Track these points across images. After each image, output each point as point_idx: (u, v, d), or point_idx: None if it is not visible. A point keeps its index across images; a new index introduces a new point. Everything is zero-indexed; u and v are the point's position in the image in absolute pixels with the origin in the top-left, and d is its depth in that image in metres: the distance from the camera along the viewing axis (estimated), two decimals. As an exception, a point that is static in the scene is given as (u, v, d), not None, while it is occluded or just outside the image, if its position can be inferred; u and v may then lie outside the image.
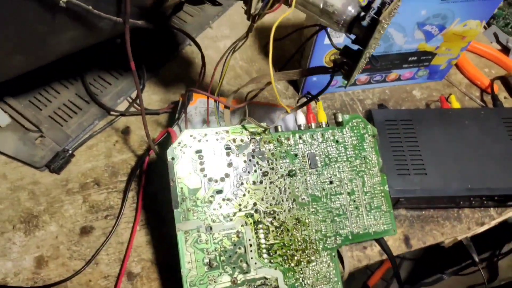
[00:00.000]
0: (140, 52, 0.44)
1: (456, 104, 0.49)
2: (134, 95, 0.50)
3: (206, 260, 0.35)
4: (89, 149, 0.45)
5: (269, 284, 0.36)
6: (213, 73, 0.39)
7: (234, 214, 0.36)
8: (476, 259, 0.53)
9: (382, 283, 0.89)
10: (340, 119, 0.41)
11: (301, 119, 0.41)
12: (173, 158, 0.35)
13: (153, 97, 0.50)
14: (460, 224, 0.45)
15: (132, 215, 0.42)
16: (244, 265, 0.35)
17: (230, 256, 0.35)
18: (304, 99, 0.40)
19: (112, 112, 0.48)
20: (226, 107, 0.39)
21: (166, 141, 0.41)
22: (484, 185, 0.43)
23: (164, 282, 0.39)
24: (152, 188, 0.43)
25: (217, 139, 0.37)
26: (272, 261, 0.36)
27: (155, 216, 0.42)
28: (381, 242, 0.41)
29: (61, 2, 0.28)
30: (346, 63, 0.31)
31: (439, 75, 0.54)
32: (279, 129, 0.40)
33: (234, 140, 0.37)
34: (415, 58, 0.50)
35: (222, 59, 0.36)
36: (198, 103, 0.46)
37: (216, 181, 0.36)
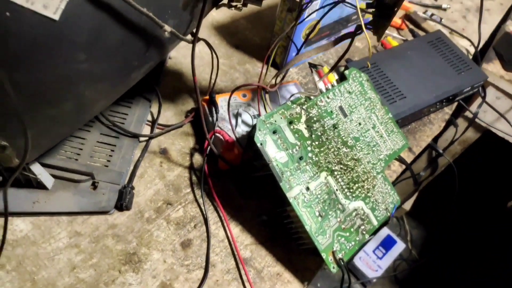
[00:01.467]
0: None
1: (394, 43, 0.64)
2: (149, 117, 0.51)
3: (317, 213, 0.42)
4: (141, 178, 0.46)
5: (360, 213, 0.45)
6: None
7: (317, 171, 0.43)
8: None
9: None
10: (343, 74, 0.51)
11: (321, 84, 0.50)
12: (261, 144, 0.41)
13: (167, 113, 0.53)
14: (433, 125, 0.60)
15: (215, 215, 0.46)
16: (339, 206, 0.44)
17: (329, 204, 0.43)
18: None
19: (141, 138, 0.49)
20: (265, 92, 0.45)
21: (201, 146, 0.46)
22: (441, 91, 0.58)
23: (275, 253, 0.45)
24: (218, 187, 0.47)
25: (281, 117, 0.43)
26: (353, 195, 0.45)
27: (234, 207, 0.47)
28: (400, 157, 0.54)
29: (166, 33, 0.31)
30: (375, 19, 0.41)
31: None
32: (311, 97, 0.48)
33: (291, 114, 0.44)
34: (355, 16, 0.63)
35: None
36: (221, 102, 0.51)
37: (294, 151, 0.43)
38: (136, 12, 0.28)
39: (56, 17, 0.24)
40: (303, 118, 0.45)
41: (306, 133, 0.44)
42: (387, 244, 1.15)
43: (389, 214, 0.48)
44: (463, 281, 1.16)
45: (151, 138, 0.49)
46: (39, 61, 0.26)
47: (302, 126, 0.44)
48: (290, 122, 0.44)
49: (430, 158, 0.79)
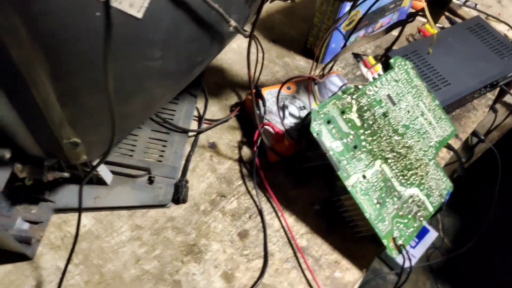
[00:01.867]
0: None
1: (432, 31, 0.64)
2: (195, 113, 0.52)
3: (375, 201, 0.42)
4: (193, 171, 0.47)
5: (416, 199, 0.45)
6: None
7: (372, 159, 0.43)
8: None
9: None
10: (387, 63, 0.51)
11: (369, 74, 0.50)
12: (317, 134, 0.41)
13: (213, 108, 0.53)
14: (477, 111, 0.60)
15: (268, 206, 0.46)
16: (396, 193, 0.44)
17: (385, 191, 0.43)
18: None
19: (190, 133, 0.49)
20: (315, 83, 0.46)
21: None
22: (485, 76, 0.58)
23: (331, 241, 0.45)
24: (269, 178, 0.47)
25: (333, 108, 0.43)
26: (408, 182, 0.45)
27: (286, 198, 0.47)
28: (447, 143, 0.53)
29: (231, 27, 0.32)
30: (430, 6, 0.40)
31: (403, 14, 0.68)
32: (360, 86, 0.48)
33: (343, 104, 0.44)
34: (393, 5, 0.62)
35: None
36: (267, 95, 0.51)
37: (349, 140, 0.43)
38: (207, 9, 0.29)
39: (140, 15, 0.25)
40: (354, 108, 0.45)
41: (358, 122, 0.44)
42: (419, 232, 1.14)
43: (443, 200, 0.47)
44: (499, 270, 1.14)
45: (199, 133, 0.50)
46: (120, 58, 0.27)
47: (354, 116, 0.44)
48: (342, 112, 0.44)
49: (469, 145, 0.78)
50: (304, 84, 0.53)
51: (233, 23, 0.31)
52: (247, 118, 0.52)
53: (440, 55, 0.58)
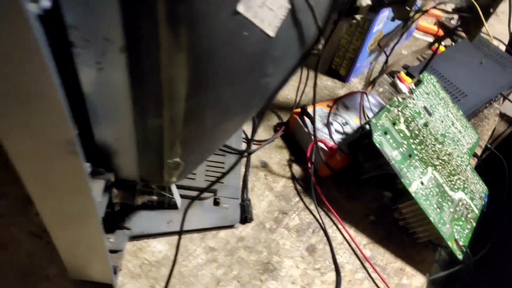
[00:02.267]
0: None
1: (441, 48, 0.69)
2: (242, 135, 0.53)
3: (435, 206, 0.44)
4: (252, 191, 0.48)
5: (464, 202, 0.48)
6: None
7: (424, 166, 0.46)
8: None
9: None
10: (419, 78, 0.55)
11: (404, 88, 0.53)
12: (379, 145, 0.43)
13: (258, 130, 0.55)
14: (489, 120, 0.65)
15: (327, 220, 0.48)
16: (448, 197, 0.47)
17: (440, 196, 0.46)
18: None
19: (244, 154, 0.50)
20: (366, 97, 0.49)
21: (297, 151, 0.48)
22: (497, 85, 0.63)
23: (392, 249, 0.47)
24: (323, 192, 0.49)
25: (386, 120, 0.46)
26: (455, 187, 0.48)
27: (341, 211, 0.49)
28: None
29: (315, 50, 0.34)
30: (467, 21, 0.45)
31: (411, 32, 0.73)
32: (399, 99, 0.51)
33: (393, 116, 0.47)
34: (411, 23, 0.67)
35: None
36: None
37: (403, 149, 0.46)
38: (312, 29, 0.31)
39: (273, 34, 0.26)
40: (402, 119, 0.48)
41: (407, 133, 0.47)
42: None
43: (483, 202, 0.51)
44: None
45: (251, 153, 0.51)
46: (247, 75, 0.28)
47: (403, 126, 0.47)
48: (394, 124, 0.47)
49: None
50: (342, 102, 0.56)
51: (323, 42, 0.33)
52: (291, 136, 0.54)
53: (452, 70, 0.64)
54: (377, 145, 0.43)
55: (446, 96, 0.56)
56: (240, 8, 0.23)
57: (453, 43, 0.72)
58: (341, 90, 0.63)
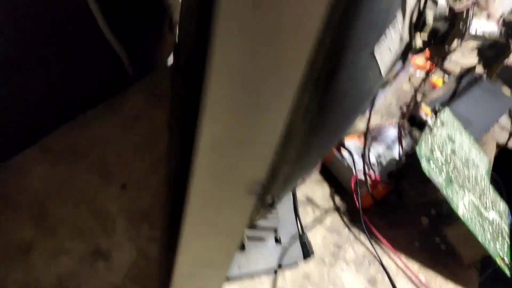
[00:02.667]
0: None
1: (439, 83, 0.76)
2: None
3: (479, 226, 0.47)
4: (304, 226, 0.48)
5: (497, 221, 0.52)
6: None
7: (462, 189, 0.50)
8: None
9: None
10: (438, 108, 0.60)
11: (424, 116, 0.58)
12: (428, 173, 0.46)
13: (293, 164, 0.56)
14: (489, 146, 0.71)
15: (378, 248, 0.49)
16: (486, 218, 0.50)
17: (480, 216, 0.49)
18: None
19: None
20: (403, 129, 0.52)
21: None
22: (497, 112, 0.70)
23: (441, 272, 0.49)
24: (370, 221, 0.51)
25: (426, 148, 0.49)
26: (486, 207, 0.52)
27: (387, 239, 0.50)
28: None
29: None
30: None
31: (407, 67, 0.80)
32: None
33: (429, 145, 0.50)
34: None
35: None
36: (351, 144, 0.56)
37: (444, 174, 0.49)
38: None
39: (384, 74, 0.29)
40: (436, 147, 0.51)
41: (443, 159, 0.51)
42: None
43: (508, 220, 0.55)
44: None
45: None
46: (353, 113, 0.30)
47: (438, 154, 0.51)
48: (432, 151, 0.50)
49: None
50: (371, 134, 0.59)
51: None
52: (327, 170, 0.56)
53: (455, 102, 0.70)
54: (426, 172, 0.46)
55: (458, 124, 0.61)
56: (376, 49, 0.25)
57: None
58: (360, 122, 0.66)
